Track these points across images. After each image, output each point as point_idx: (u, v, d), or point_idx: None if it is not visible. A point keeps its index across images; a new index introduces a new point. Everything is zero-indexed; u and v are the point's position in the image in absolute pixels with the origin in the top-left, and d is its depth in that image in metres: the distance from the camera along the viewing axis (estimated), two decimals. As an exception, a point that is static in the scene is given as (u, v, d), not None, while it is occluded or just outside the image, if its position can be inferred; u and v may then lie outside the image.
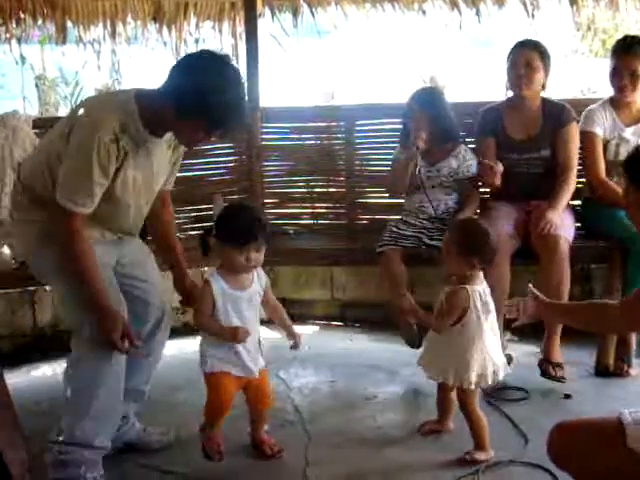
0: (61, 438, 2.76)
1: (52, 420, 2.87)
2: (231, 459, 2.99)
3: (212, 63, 2.64)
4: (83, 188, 2.63)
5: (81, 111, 2.76)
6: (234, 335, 2.81)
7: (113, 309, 2.71)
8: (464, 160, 4.00)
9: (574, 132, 3.98)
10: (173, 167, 3.06)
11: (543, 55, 3.94)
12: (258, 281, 2.93)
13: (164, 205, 3.14)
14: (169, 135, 2.84)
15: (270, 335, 3.95)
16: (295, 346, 3.06)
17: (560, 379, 3.61)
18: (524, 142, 4.00)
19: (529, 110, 4.02)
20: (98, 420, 2.77)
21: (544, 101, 4.03)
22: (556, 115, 3.98)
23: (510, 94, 4.06)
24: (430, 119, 3.95)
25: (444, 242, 3.04)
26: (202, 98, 2.57)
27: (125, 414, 3.10)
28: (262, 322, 3.07)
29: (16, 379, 4.00)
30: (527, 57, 3.91)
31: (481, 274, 2.98)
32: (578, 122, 4.02)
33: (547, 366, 3.64)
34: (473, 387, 2.95)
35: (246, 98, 2.74)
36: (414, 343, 3.79)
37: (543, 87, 4.00)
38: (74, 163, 2.63)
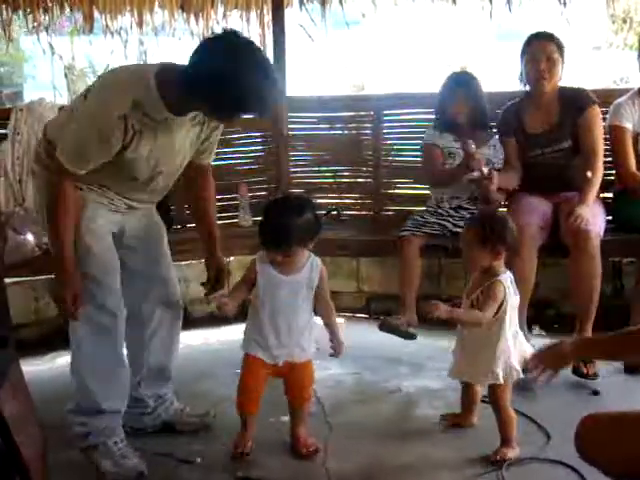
0: (72, 405, 2.84)
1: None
2: (254, 449, 2.99)
3: (235, 47, 2.54)
4: (80, 154, 2.64)
5: (102, 79, 2.79)
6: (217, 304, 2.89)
7: (71, 265, 2.71)
8: (495, 151, 3.96)
9: (595, 116, 3.88)
10: (207, 142, 2.95)
11: (560, 47, 3.85)
12: (310, 270, 2.90)
13: (203, 180, 3.08)
14: (193, 113, 2.76)
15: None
16: (335, 354, 3.02)
17: (592, 376, 3.54)
18: (544, 136, 3.92)
19: (547, 103, 3.93)
20: (102, 384, 2.82)
21: (560, 90, 3.93)
22: (573, 102, 3.89)
23: (525, 88, 3.97)
24: (469, 104, 3.91)
25: (464, 236, 2.97)
26: (217, 83, 2.49)
27: (159, 395, 3.15)
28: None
29: (41, 367, 4.04)
30: (547, 51, 3.82)
31: (502, 262, 2.93)
32: (598, 104, 3.91)
33: (579, 363, 3.57)
34: (520, 376, 2.91)
35: (272, 84, 2.59)
36: (408, 336, 3.76)
37: (560, 78, 3.92)
38: (79, 127, 2.63)
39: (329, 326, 3.01)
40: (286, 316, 2.88)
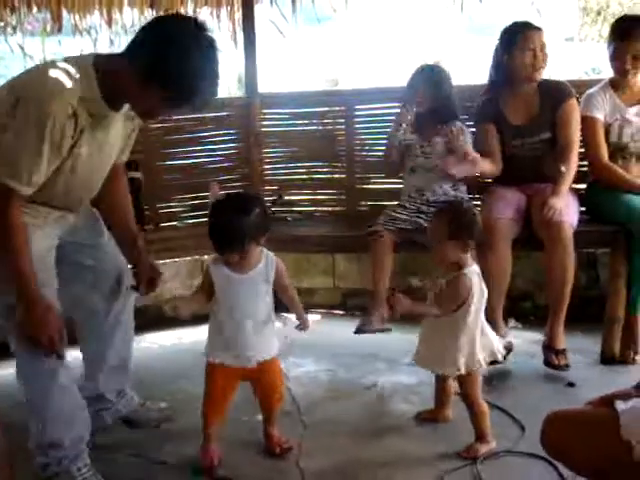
0: (33, 445, 2.69)
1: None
2: (227, 449, 2.95)
3: (179, 27, 2.46)
4: (29, 166, 2.39)
5: (30, 80, 2.50)
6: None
7: (44, 300, 2.51)
8: (466, 135, 3.92)
9: (573, 109, 3.87)
10: (128, 139, 2.85)
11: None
12: (265, 265, 2.85)
13: (116, 177, 2.91)
14: (126, 108, 2.63)
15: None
16: (302, 327, 3.00)
17: (563, 367, 3.55)
18: (524, 127, 3.90)
19: (526, 93, 3.92)
20: (60, 421, 2.66)
21: (540, 81, 3.91)
22: (553, 93, 3.88)
23: (492, 78, 3.98)
24: (431, 94, 3.89)
25: (431, 229, 2.95)
26: (160, 61, 2.38)
27: (119, 390, 3.09)
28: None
29: (9, 370, 3.96)
30: (541, 40, 3.79)
31: (469, 255, 2.92)
32: (577, 98, 3.91)
33: (549, 354, 3.58)
34: (483, 369, 2.92)
35: (216, 70, 2.49)
36: (383, 331, 3.74)
37: None
38: (22, 138, 2.37)
39: (292, 302, 2.99)
40: (248, 314, 2.83)
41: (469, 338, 2.87)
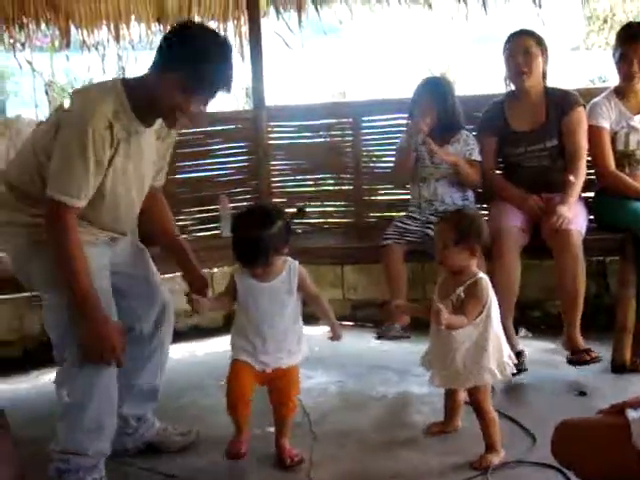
0: (58, 448, 2.71)
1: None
2: (238, 460, 2.97)
3: (198, 31, 2.69)
4: (78, 181, 2.54)
5: (69, 104, 2.68)
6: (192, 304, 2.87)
7: (105, 315, 2.63)
8: (465, 144, 3.94)
9: (580, 118, 3.88)
10: (163, 160, 3.00)
11: (540, 42, 3.86)
12: (288, 274, 2.89)
13: (156, 202, 3.06)
14: (158, 125, 2.79)
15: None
16: (333, 337, 3.03)
17: (596, 360, 3.53)
18: (529, 134, 3.91)
19: (532, 101, 3.93)
20: (91, 431, 2.70)
21: (547, 90, 3.94)
22: (560, 102, 3.89)
23: (511, 87, 3.99)
24: (436, 106, 3.90)
25: (438, 236, 2.93)
26: (182, 49, 2.56)
27: (142, 415, 3.10)
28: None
29: (25, 385, 4.01)
30: (524, 44, 3.83)
31: (476, 262, 2.91)
32: (584, 106, 3.92)
33: (580, 355, 3.54)
34: (499, 378, 2.89)
35: (232, 68, 2.68)
36: (403, 338, 3.77)
37: (544, 76, 3.93)
38: (68, 156, 2.53)
39: (323, 312, 3.04)
40: (269, 322, 2.87)
41: (497, 344, 2.85)
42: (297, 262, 2.94)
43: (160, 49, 2.67)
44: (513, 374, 3.03)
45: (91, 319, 2.60)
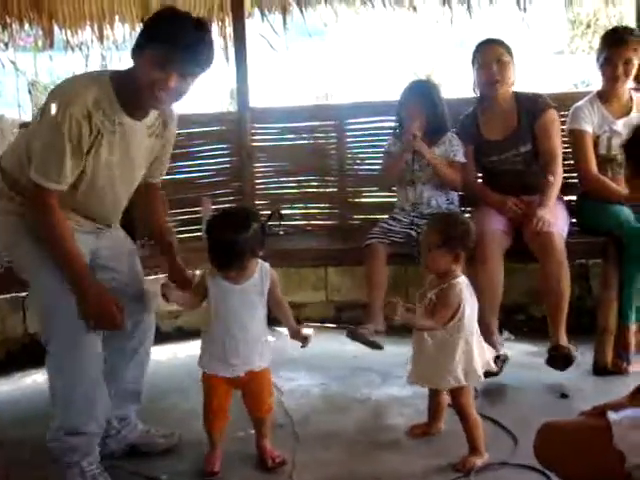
0: (54, 429, 2.75)
1: (43, 427, 2.81)
2: (221, 463, 2.96)
3: (172, 12, 2.72)
4: (56, 164, 2.60)
5: (53, 93, 2.72)
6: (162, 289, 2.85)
7: (98, 285, 2.70)
8: (450, 145, 3.95)
9: (551, 119, 3.91)
10: (161, 157, 3.02)
11: (509, 50, 3.90)
12: (260, 276, 2.87)
13: (154, 199, 3.12)
14: (151, 120, 2.81)
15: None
16: (303, 343, 3.00)
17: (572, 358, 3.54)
18: (502, 142, 3.94)
19: (503, 108, 3.96)
20: (82, 408, 2.74)
21: (516, 95, 3.97)
22: (531, 107, 3.92)
23: (477, 94, 4.03)
24: (423, 110, 3.91)
25: (424, 238, 2.95)
26: (156, 28, 2.63)
27: (125, 416, 3.09)
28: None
29: (7, 387, 3.97)
30: (497, 54, 3.86)
31: (460, 266, 2.91)
32: (555, 108, 3.95)
33: (559, 353, 3.54)
34: (481, 379, 2.91)
35: (209, 43, 2.69)
36: (374, 346, 3.72)
37: (513, 82, 3.95)
38: (46, 139, 2.61)
39: (286, 319, 3.00)
40: (240, 324, 2.84)
41: (466, 349, 2.86)
42: (268, 264, 2.91)
43: (138, 35, 2.73)
44: (487, 374, 3.03)
45: (87, 292, 2.67)
